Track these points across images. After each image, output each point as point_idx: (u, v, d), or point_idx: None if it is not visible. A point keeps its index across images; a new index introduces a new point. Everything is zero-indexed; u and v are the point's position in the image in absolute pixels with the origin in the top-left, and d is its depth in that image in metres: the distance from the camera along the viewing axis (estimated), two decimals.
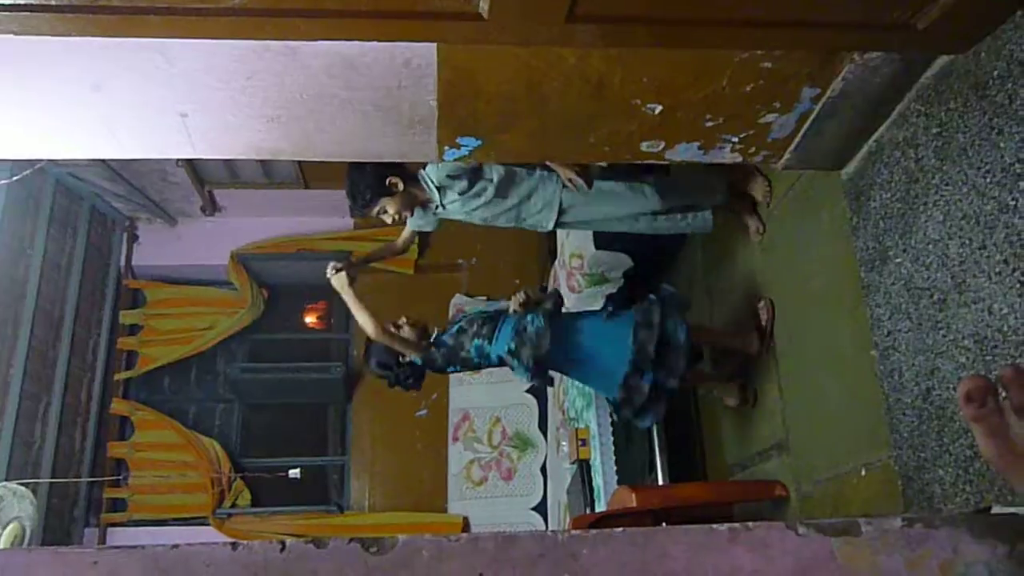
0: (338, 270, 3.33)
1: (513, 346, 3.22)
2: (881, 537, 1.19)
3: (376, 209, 3.31)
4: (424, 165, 3.31)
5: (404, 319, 3.38)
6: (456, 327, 3.39)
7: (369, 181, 3.22)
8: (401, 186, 3.24)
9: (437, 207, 3.36)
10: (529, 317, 3.26)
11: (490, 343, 3.30)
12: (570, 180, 3.30)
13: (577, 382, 4.14)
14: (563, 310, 3.47)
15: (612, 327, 3.25)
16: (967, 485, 2.15)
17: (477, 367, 3.52)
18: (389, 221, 3.39)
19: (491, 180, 3.30)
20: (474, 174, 3.29)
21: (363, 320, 3.33)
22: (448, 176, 3.26)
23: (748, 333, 3.51)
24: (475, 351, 3.32)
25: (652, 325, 3.15)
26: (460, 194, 3.30)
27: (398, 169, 3.25)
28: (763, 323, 3.45)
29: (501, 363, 3.34)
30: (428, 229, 3.56)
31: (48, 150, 2.47)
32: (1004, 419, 0.88)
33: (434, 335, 3.42)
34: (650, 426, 3.53)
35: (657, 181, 3.42)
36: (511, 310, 3.28)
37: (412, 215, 3.39)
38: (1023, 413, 0.87)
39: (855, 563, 1.17)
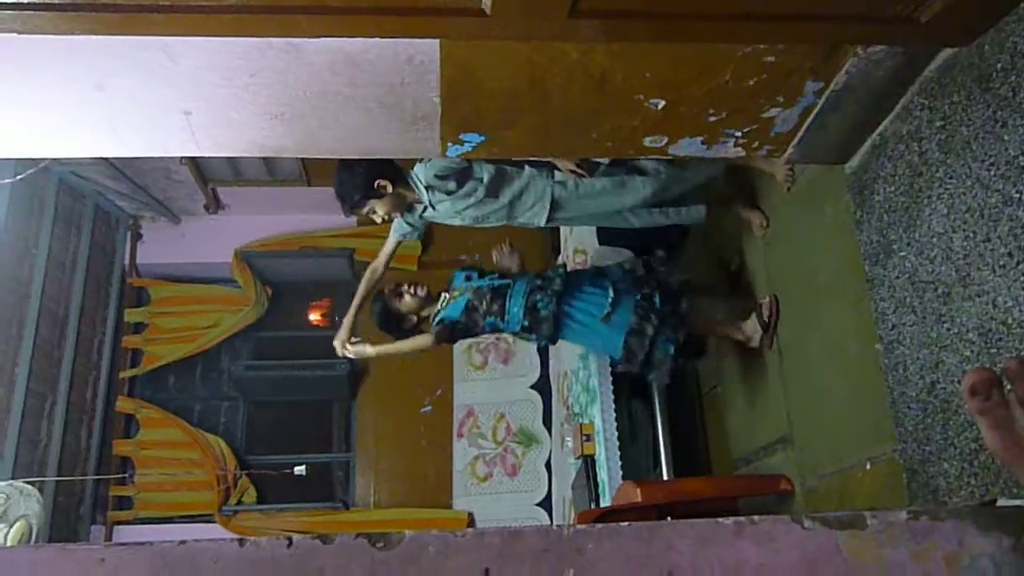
0: (352, 344, 3.51)
1: (527, 323, 3.37)
2: (887, 530, 1.19)
3: (365, 210, 3.31)
4: (414, 165, 3.30)
5: (406, 286, 3.47)
6: (465, 303, 3.45)
7: (358, 183, 3.22)
8: (390, 188, 3.23)
9: (425, 208, 3.36)
10: (539, 296, 3.35)
11: (502, 320, 3.41)
12: (571, 171, 3.29)
13: (580, 378, 4.17)
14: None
15: (607, 328, 3.33)
16: (972, 478, 2.15)
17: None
18: (379, 221, 3.39)
19: (481, 180, 3.26)
20: (463, 174, 3.25)
21: (416, 347, 3.54)
22: (436, 176, 3.22)
23: (748, 323, 3.54)
24: (489, 327, 3.47)
25: (644, 335, 3.25)
26: (449, 194, 3.27)
27: (387, 169, 3.23)
28: (766, 319, 3.46)
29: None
30: (413, 238, 3.55)
31: (52, 149, 2.48)
32: (1009, 412, 0.88)
33: (438, 308, 3.51)
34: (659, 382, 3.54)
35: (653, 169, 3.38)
36: (494, 258, 3.48)
37: (401, 216, 3.39)
38: None
39: (861, 556, 1.17)
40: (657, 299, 3.29)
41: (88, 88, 2.11)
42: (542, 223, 3.43)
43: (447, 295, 3.55)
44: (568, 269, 3.60)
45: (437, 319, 3.54)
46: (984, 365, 2.07)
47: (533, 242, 5.75)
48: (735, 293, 3.81)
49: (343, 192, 3.27)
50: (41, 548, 1.17)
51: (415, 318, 3.55)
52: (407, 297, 3.49)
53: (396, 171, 3.26)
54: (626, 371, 3.43)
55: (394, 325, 3.58)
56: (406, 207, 3.36)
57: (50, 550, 1.12)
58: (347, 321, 3.55)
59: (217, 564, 1.07)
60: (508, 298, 3.40)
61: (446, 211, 3.35)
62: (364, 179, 3.20)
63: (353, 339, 3.54)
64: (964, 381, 0.88)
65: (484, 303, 3.42)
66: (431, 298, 3.54)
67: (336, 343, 3.56)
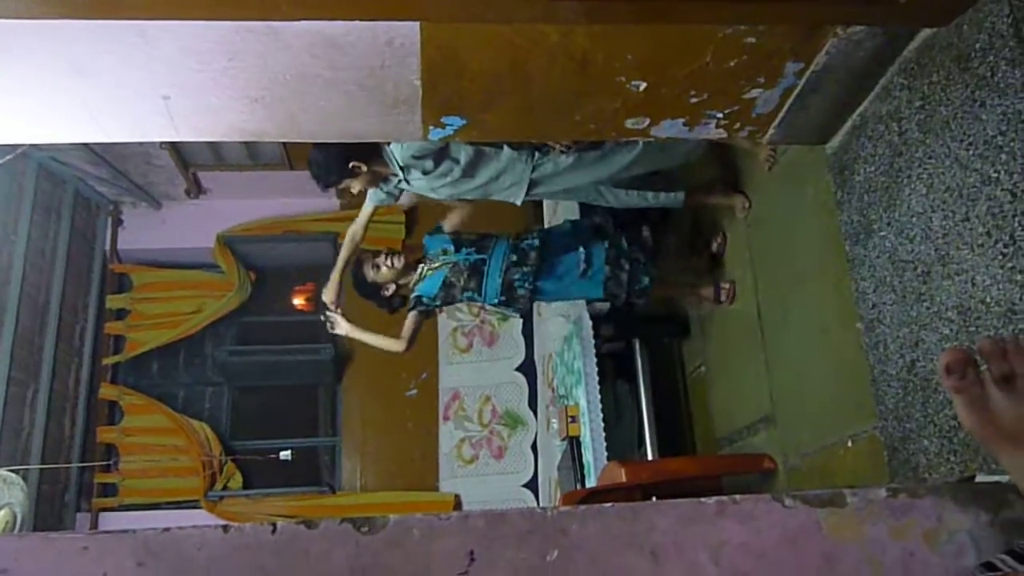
0: (334, 324, 3.61)
1: (504, 298, 3.51)
2: (866, 507, 1.21)
3: (341, 186, 3.34)
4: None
5: (383, 256, 3.58)
6: (442, 279, 3.53)
7: (332, 165, 3.23)
8: (365, 168, 3.24)
9: (401, 181, 3.36)
10: (516, 274, 3.47)
11: (479, 294, 3.53)
12: (559, 149, 3.28)
13: (565, 360, 4.18)
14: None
15: (584, 282, 3.54)
16: (952, 455, 2.17)
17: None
18: (355, 193, 3.42)
19: (457, 161, 3.25)
20: (440, 154, 3.24)
21: (387, 345, 3.64)
22: (413, 156, 3.21)
23: (707, 290, 3.77)
24: (466, 299, 3.59)
25: (620, 278, 3.50)
26: (425, 173, 3.27)
27: (362, 149, 3.22)
28: (721, 301, 3.69)
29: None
30: (389, 203, 3.56)
31: (30, 135, 2.45)
32: (985, 390, 0.89)
33: (416, 278, 3.58)
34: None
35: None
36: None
37: (377, 187, 3.42)
38: (1003, 384, 0.88)
39: (841, 533, 1.18)
40: (624, 241, 3.52)
41: (65, 74, 2.08)
42: (519, 201, 3.45)
43: (424, 267, 3.58)
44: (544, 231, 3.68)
45: (414, 294, 3.60)
46: (962, 343, 2.09)
47: (516, 220, 5.73)
48: (711, 272, 3.87)
49: (318, 173, 3.29)
50: (25, 537, 1.17)
51: (393, 286, 3.60)
52: (384, 268, 3.55)
53: (370, 149, 3.25)
54: (611, 303, 3.66)
55: (372, 293, 3.63)
56: (382, 180, 3.37)
57: (34, 539, 1.11)
58: (333, 278, 3.61)
59: (201, 551, 1.08)
60: (485, 274, 3.48)
61: (421, 187, 3.37)
62: (338, 160, 3.21)
63: (336, 307, 3.62)
64: (940, 360, 0.89)
65: (461, 280, 3.51)
66: (409, 267, 3.58)
67: (325, 297, 3.64)
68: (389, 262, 3.55)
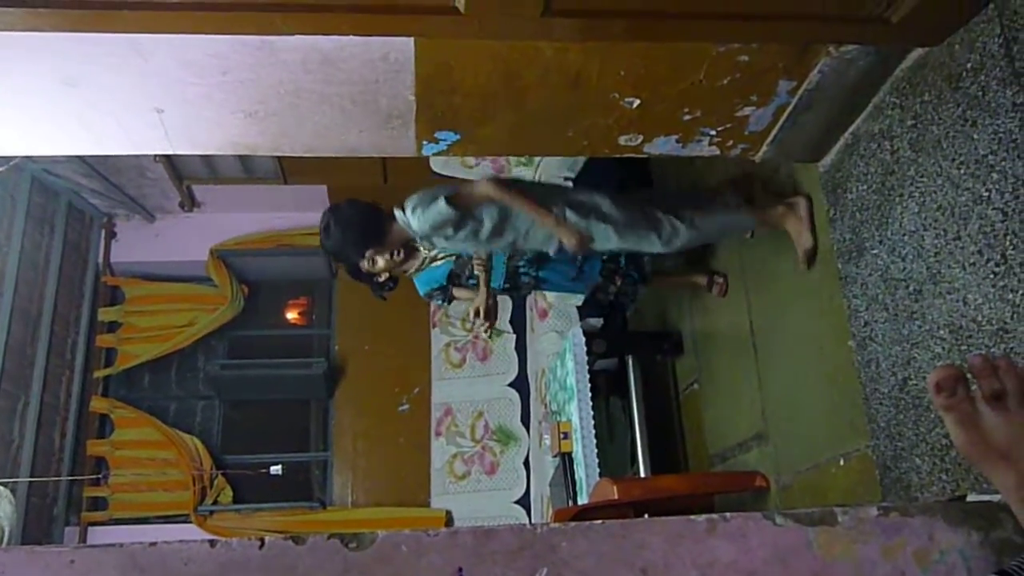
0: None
1: (508, 284, 3.63)
2: (857, 526, 1.20)
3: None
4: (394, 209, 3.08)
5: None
6: (447, 271, 3.58)
7: (351, 258, 3.14)
8: (383, 252, 3.13)
9: (427, 252, 3.36)
10: (520, 261, 3.56)
11: None
12: (572, 244, 3.07)
13: (558, 376, 4.18)
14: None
15: (576, 284, 3.71)
16: (943, 473, 2.17)
17: None
18: (385, 270, 3.26)
19: (482, 221, 3.03)
20: (460, 222, 3.00)
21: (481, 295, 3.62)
22: (431, 227, 2.99)
23: (700, 278, 3.84)
24: (471, 286, 3.62)
25: (608, 291, 3.66)
26: (447, 239, 3.08)
27: (372, 236, 3.10)
28: (711, 290, 3.77)
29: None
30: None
31: (24, 147, 2.45)
32: (975, 408, 0.88)
33: (419, 266, 3.52)
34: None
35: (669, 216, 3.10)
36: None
37: (406, 255, 3.26)
38: (994, 402, 0.87)
39: (832, 552, 1.18)
40: (623, 259, 3.59)
41: (59, 86, 2.08)
42: (553, 252, 3.20)
43: (427, 256, 3.53)
44: None
45: (424, 289, 3.62)
46: (953, 362, 2.09)
47: None
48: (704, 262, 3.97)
49: (342, 264, 3.32)
50: (10, 550, 1.16)
51: (386, 273, 3.53)
52: (380, 260, 3.44)
53: (381, 231, 3.11)
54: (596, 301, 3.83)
55: (365, 277, 3.54)
56: (410, 251, 3.26)
57: (19, 552, 1.10)
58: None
59: (188, 566, 1.07)
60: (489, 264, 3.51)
61: (448, 249, 3.32)
62: (354, 252, 3.09)
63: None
64: (930, 377, 0.89)
65: (467, 271, 3.52)
66: (406, 255, 3.47)
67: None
68: (387, 253, 3.46)
